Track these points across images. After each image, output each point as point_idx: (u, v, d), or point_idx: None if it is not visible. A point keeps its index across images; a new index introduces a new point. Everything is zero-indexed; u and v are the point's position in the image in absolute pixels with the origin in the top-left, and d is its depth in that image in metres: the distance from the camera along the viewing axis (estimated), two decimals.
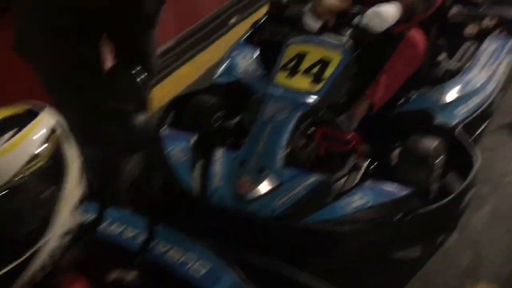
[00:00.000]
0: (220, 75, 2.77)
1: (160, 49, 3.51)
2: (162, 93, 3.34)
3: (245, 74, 2.71)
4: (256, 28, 3.12)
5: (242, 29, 3.41)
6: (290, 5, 3.07)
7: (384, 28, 2.27)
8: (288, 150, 2.03)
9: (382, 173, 2.23)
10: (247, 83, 2.64)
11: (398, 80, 2.38)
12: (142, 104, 1.50)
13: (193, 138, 2.24)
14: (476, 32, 2.96)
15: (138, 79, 1.43)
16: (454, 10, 2.98)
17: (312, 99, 2.07)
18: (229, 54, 2.88)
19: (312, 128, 2.23)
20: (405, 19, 2.32)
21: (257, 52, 2.82)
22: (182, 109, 2.57)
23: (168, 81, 3.50)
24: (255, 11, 4.18)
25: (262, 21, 3.17)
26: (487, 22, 2.96)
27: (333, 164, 2.27)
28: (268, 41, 2.87)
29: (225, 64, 2.83)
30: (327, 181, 2.02)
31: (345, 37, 2.30)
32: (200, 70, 3.60)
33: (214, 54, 3.63)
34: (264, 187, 1.93)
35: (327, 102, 2.16)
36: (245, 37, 3.05)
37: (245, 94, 2.51)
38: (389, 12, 2.27)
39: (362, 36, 2.45)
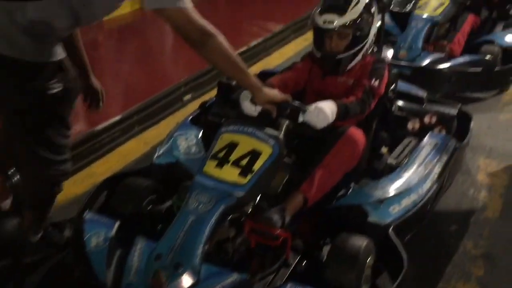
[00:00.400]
0: (160, 155, 2.70)
1: (106, 123, 3.47)
2: (104, 168, 3.26)
3: (186, 155, 2.65)
4: (204, 108, 3.11)
5: (195, 107, 3.40)
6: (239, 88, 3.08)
7: (325, 125, 2.27)
8: (207, 246, 1.92)
9: (312, 271, 2.15)
10: (186, 166, 2.58)
11: (335, 177, 2.34)
12: (17, 206, 1.41)
13: (117, 224, 2.13)
14: (418, 128, 3.00)
15: (12, 180, 1.35)
16: (399, 103, 3.05)
17: (238, 192, 2.00)
18: (172, 133, 2.83)
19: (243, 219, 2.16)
20: (341, 118, 2.33)
21: (201, 134, 2.78)
22: (114, 190, 2.48)
23: (111, 156, 3.41)
24: (211, 89, 4.21)
25: (210, 102, 3.16)
26: (428, 119, 3.01)
27: (264, 259, 2.18)
28: (212, 123, 2.85)
29: (166, 144, 2.77)
30: (248, 281, 1.91)
31: (281, 129, 2.28)
32: (147, 146, 3.54)
33: (164, 130, 3.59)
34: (178, 285, 1.81)
35: (254, 196, 2.10)
36: (191, 117, 3.02)
37: (183, 177, 2.43)
38: (330, 109, 2.27)
39: (301, 129, 2.45)
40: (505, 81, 4.28)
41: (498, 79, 4.24)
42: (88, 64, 2.36)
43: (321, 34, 2.59)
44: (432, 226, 2.70)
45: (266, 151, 2.12)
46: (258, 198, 2.21)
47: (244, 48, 5.02)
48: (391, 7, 5.08)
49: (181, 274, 1.82)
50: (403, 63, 4.03)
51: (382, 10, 3.06)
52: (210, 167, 2.10)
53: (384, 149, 2.87)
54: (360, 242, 2.09)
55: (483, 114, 3.95)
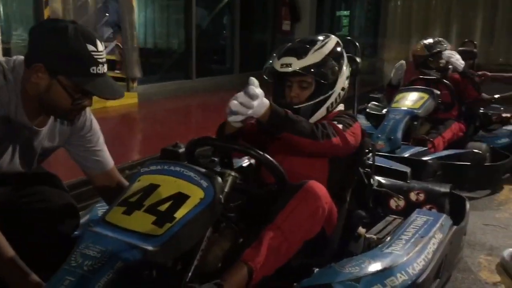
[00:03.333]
0: None
1: None
2: None
3: None
4: None
5: None
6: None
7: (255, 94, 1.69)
8: None
9: None
10: None
11: (291, 243, 1.72)
12: None
13: None
14: (402, 206, 2.45)
15: None
16: (378, 179, 2.53)
17: (147, 245, 1.37)
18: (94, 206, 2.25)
19: None
20: (275, 118, 1.78)
21: None
22: None
23: None
24: None
25: None
26: (415, 196, 2.47)
27: None
28: None
29: (84, 217, 2.17)
30: None
31: (225, 182, 1.69)
32: None
33: None
34: None
35: (171, 254, 1.45)
36: None
37: None
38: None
39: (250, 184, 1.89)
40: (497, 178, 3.78)
41: (489, 175, 3.75)
42: None
43: (279, 82, 2.14)
44: None
45: (196, 194, 1.53)
46: (188, 277, 1.57)
47: None
48: (368, 110, 4.80)
49: None
50: (382, 153, 3.56)
51: (354, 74, 2.67)
52: (115, 214, 1.49)
53: (361, 230, 2.27)
54: None
55: (477, 212, 3.40)
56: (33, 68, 1.56)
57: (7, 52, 4.82)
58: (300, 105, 2.05)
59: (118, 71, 6.82)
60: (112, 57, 7.14)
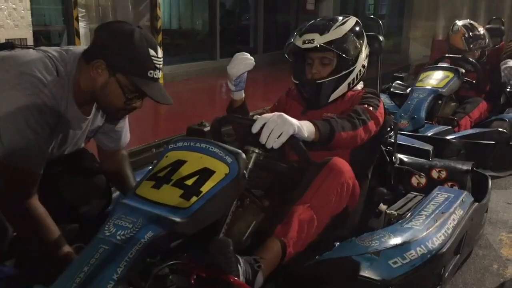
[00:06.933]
0: None
1: None
2: None
3: None
4: None
5: None
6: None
7: (292, 133, 1.65)
8: None
9: None
10: None
11: (320, 218, 1.78)
12: None
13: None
14: (424, 184, 2.48)
15: None
16: (400, 157, 2.56)
17: (176, 217, 1.45)
18: None
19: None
20: (326, 137, 1.81)
21: None
22: None
23: None
24: None
25: None
26: (436, 174, 2.50)
27: None
28: None
29: None
30: None
31: (248, 160, 1.74)
32: None
33: None
34: None
35: (198, 226, 1.52)
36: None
37: None
38: (299, 123, 1.69)
39: (274, 163, 1.93)
40: None
41: None
42: None
43: (301, 59, 2.18)
44: None
45: (221, 170, 1.59)
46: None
47: None
48: (392, 89, 4.79)
49: None
50: (405, 132, 3.57)
51: (377, 53, 2.69)
52: (145, 187, 1.57)
53: (382, 206, 2.32)
54: None
55: (500, 190, 3.42)
56: (94, 64, 1.61)
57: None
58: (323, 80, 2.10)
59: None
60: None
